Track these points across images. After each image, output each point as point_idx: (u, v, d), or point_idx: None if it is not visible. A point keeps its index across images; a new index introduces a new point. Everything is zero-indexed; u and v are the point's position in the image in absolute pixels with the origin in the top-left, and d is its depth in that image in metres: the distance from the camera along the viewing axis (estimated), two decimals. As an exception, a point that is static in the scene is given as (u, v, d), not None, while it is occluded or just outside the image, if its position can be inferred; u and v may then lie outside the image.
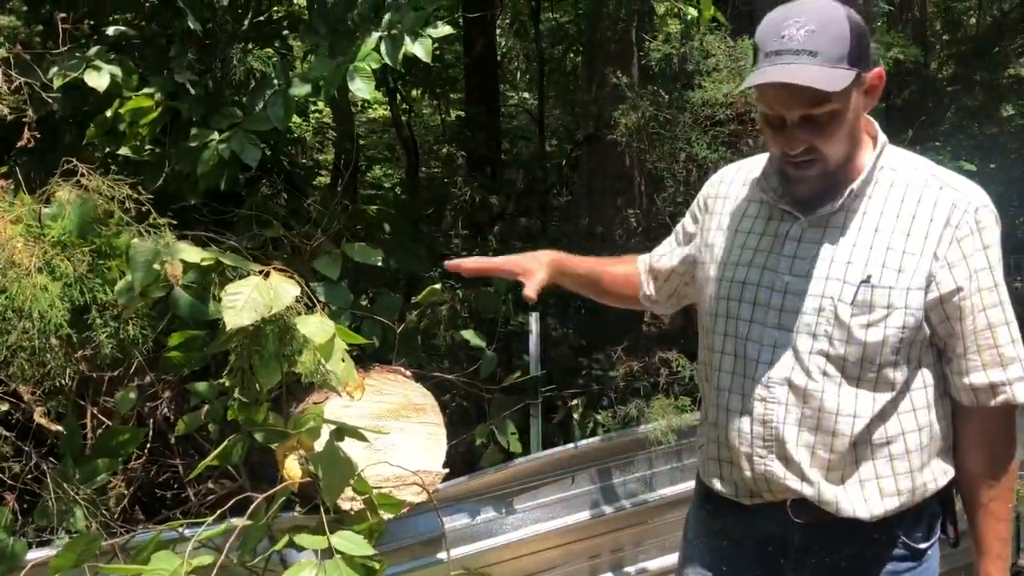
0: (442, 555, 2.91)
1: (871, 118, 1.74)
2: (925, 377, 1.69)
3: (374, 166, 8.31)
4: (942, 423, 1.71)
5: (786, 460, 1.70)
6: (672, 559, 3.45)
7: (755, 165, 1.85)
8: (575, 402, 3.48)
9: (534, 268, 1.98)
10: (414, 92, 7.15)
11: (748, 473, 1.74)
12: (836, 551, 1.74)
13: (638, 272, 2.12)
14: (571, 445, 3.28)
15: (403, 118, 5.94)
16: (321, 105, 6.19)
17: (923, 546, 1.73)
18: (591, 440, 3.35)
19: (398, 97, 6.06)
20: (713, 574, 1.92)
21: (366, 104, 8.47)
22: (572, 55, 7.75)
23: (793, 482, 1.70)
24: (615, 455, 3.34)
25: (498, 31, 7.97)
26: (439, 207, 5.28)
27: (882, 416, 1.66)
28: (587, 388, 3.52)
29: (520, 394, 3.40)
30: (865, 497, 1.69)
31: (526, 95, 9.78)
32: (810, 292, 1.66)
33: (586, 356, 4.28)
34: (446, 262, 2.13)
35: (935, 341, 1.68)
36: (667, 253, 2.06)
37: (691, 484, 3.42)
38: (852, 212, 1.68)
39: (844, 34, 1.57)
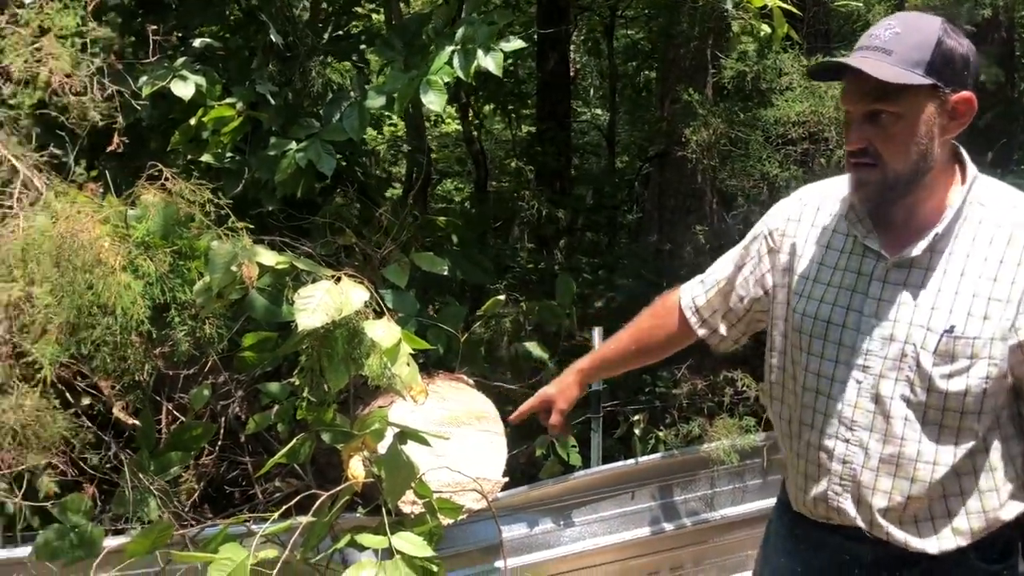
0: (500, 563, 2.94)
1: (963, 151, 1.68)
2: (1003, 418, 1.65)
3: (444, 180, 8.43)
4: (1018, 460, 1.68)
5: (859, 502, 1.69)
6: (732, 580, 3.44)
7: (831, 191, 1.81)
8: (637, 418, 3.47)
9: (554, 397, 2.11)
10: (486, 108, 7.25)
11: (821, 504, 1.75)
12: (908, 570, 1.71)
13: (682, 314, 2.02)
14: (631, 461, 3.27)
15: (474, 132, 6.02)
16: (396, 119, 6.32)
17: (997, 567, 1.68)
18: (652, 456, 3.34)
19: (470, 112, 6.14)
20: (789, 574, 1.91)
21: (438, 119, 8.59)
22: (645, 72, 7.76)
23: (862, 522, 1.70)
24: (676, 473, 3.33)
25: (572, 47, 8.02)
26: (507, 220, 5.33)
27: (962, 464, 1.63)
28: (650, 404, 3.51)
29: (581, 408, 3.41)
30: (936, 535, 1.66)
31: (598, 111, 9.80)
32: (894, 337, 1.63)
33: (649, 374, 4.27)
34: (511, 418, 2.21)
35: (1017, 384, 1.63)
36: (725, 291, 1.96)
37: (753, 505, 3.42)
38: (938, 253, 1.63)
39: (928, 44, 1.55)
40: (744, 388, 3.41)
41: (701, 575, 3.37)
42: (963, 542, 1.65)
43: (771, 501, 3.40)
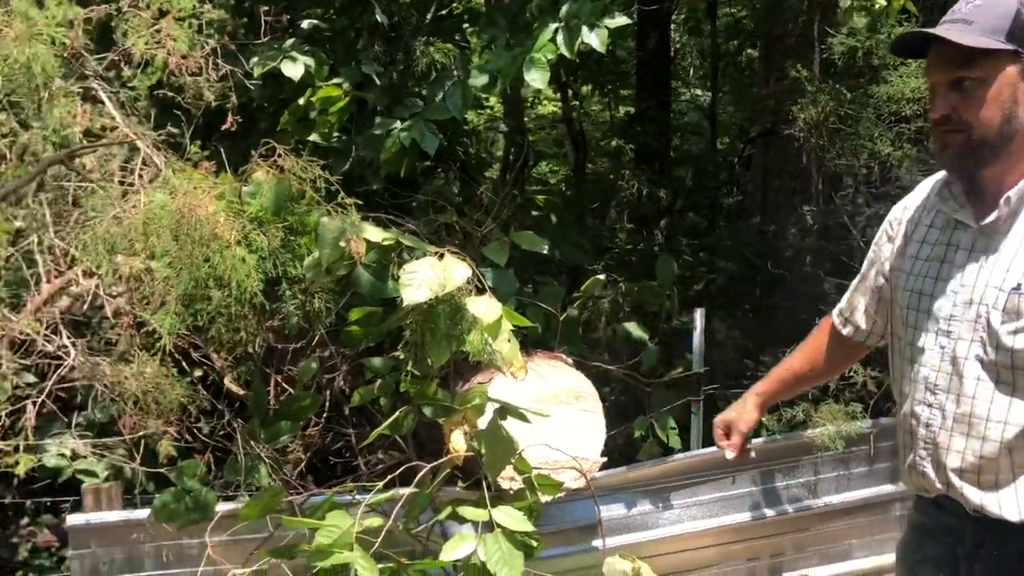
0: (597, 542, 2.93)
1: None
2: None
3: (540, 162, 8.42)
4: None
5: (936, 464, 1.74)
6: (835, 568, 3.35)
7: (943, 176, 1.85)
8: (738, 401, 3.40)
9: (734, 421, 2.14)
10: (584, 88, 7.19)
11: (914, 473, 1.80)
12: (1006, 547, 1.70)
13: (832, 321, 2.08)
14: (733, 444, 3.22)
15: (573, 113, 5.98)
16: (492, 101, 6.34)
17: None
18: (754, 441, 3.28)
19: (568, 93, 6.11)
20: (904, 564, 1.94)
21: (536, 100, 8.58)
22: (748, 51, 7.57)
23: (940, 484, 1.74)
24: (778, 458, 3.26)
25: (672, 26, 7.88)
26: (604, 202, 5.29)
27: None
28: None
29: (681, 390, 3.37)
30: (1015, 500, 1.66)
31: (698, 92, 9.62)
32: (972, 300, 1.68)
33: (752, 359, 4.18)
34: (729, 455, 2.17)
35: None
36: (862, 287, 2.02)
37: (858, 493, 3.32)
38: (1019, 218, 1.66)
39: (1008, 13, 1.60)
40: (851, 374, 3.31)
41: (802, 563, 3.30)
42: None
43: (877, 489, 3.34)
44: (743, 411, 2.15)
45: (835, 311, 2.08)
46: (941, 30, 1.63)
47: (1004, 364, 1.63)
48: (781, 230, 4.48)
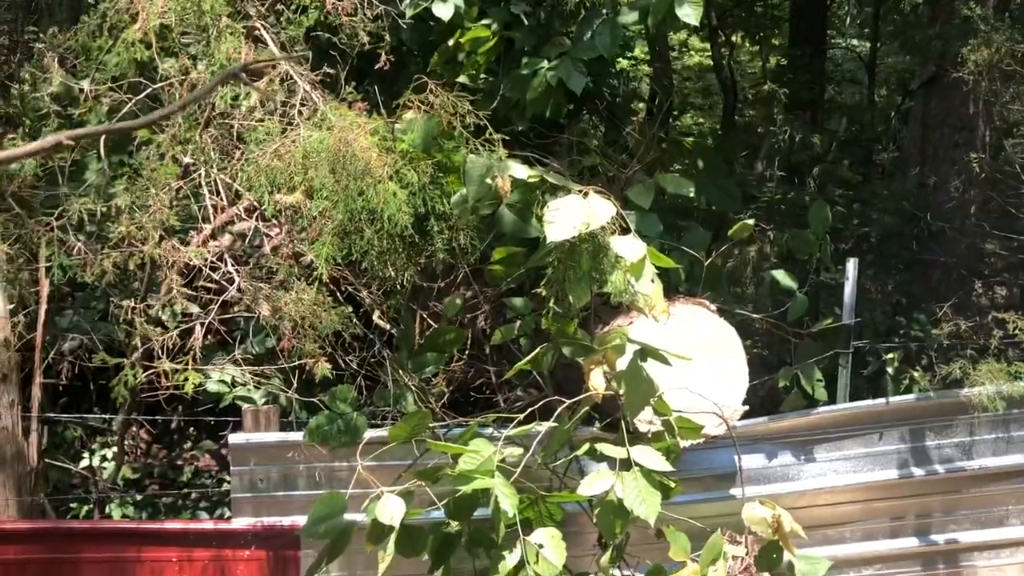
0: (736, 491, 2.90)
1: None
2: None
3: (687, 112, 8.22)
4: None
5: None
6: (987, 535, 3.19)
7: None
8: (891, 355, 3.27)
9: None
10: (735, 37, 6.96)
11: None
12: None
13: None
14: (882, 400, 3.10)
15: (723, 60, 5.80)
16: (639, 50, 6.23)
17: None
18: (905, 398, 3.15)
19: (719, 38, 5.92)
20: None
21: (682, 49, 8.37)
22: (913, -2, 7.11)
23: None
24: (931, 416, 3.12)
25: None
26: (754, 150, 5.13)
27: None
28: (903, 343, 3.30)
29: (829, 342, 3.27)
30: None
31: (855, 41, 9.14)
32: None
33: (905, 315, 4.00)
34: None
35: None
36: None
37: (1018, 458, 3.14)
38: None
39: None
40: (1016, 332, 3.11)
41: (952, 526, 3.15)
42: None
43: (1042, 453, 3.14)
44: None
45: None
46: None
47: None
48: (942, 183, 4.22)
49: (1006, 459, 3.12)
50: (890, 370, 3.27)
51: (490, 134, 2.41)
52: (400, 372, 2.60)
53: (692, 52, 9.28)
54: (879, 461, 3.10)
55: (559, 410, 2.57)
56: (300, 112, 2.55)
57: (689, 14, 2.71)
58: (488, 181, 2.45)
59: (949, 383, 3.15)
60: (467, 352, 3.16)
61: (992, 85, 3.54)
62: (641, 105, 5.17)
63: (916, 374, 3.22)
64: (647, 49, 5.72)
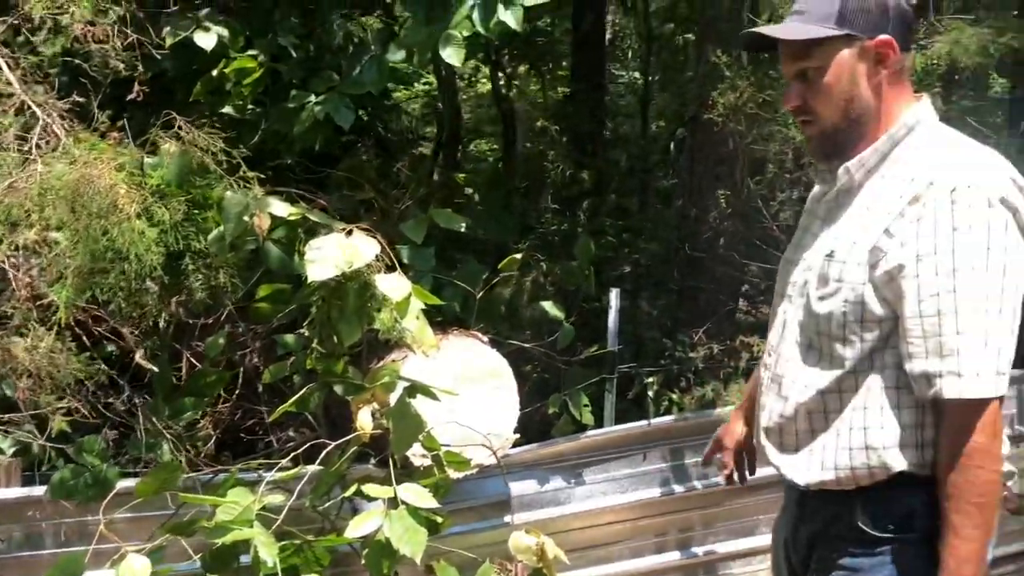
0: (509, 518, 2.97)
1: (910, 101, 1.67)
2: (884, 359, 1.62)
3: (479, 139, 8.39)
4: (903, 412, 1.61)
5: (758, 424, 1.79)
6: (742, 544, 3.43)
7: None
8: (651, 379, 3.47)
9: (720, 436, 2.16)
10: (520, 68, 7.17)
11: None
12: (813, 521, 1.74)
13: None
14: (644, 422, 3.27)
15: (504, 92, 5.97)
16: (432, 77, 6.30)
17: (876, 534, 1.63)
18: (665, 419, 3.34)
19: (500, 72, 6.09)
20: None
21: (473, 78, 8.53)
22: (686, 35, 7.62)
23: (755, 440, 1.81)
24: (689, 435, 3.32)
25: (611, 7, 7.89)
26: (534, 181, 5.31)
27: (828, 390, 1.65)
28: (665, 367, 3.51)
29: (597, 368, 3.42)
30: (806, 465, 1.68)
31: (636, 75, 9.67)
32: (808, 267, 1.71)
33: (669, 337, 4.25)
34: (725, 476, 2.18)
35: (890, 314, 1.61)
36: None
37: (767, 469, 3.39)
38: (861, 189, 1.68)
39: None
40: (760, 353, 3.38)
41: (711, 538, 3.37)
42: (828, 476, 1.65)
43: (782, 467, 3.41)
44: (728, 428, 2.15)
45: None
46: (770, 28, 1.70)
47: (813, 328, 1.66)
48: (702, 214, 4.55)
49: (756, 472, 3.38)
50: (651, 393, 3.46)
51: (244, 172, 2.35)
52: (155, 419, 2.47)
53: (485, 79, 9.50)
54: (644, 481, 3.27)
55: (327, 450, 2.53)
56: (38, 145, 2.38)
57: (452, 55, 2.77)
58: (246, 218, 2.39)
59: (704, 403, 3.38)
60: (237, 392, 3.06)
61: (738, 126, 3.85)
62: (427, 143, 5.22)
63: (675, 396, 3.43)
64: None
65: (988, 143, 1.70)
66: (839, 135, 1.67)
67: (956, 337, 1.51)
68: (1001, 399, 1.55)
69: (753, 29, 1.72)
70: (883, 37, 1.62)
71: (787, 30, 1.66)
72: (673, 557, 3.33)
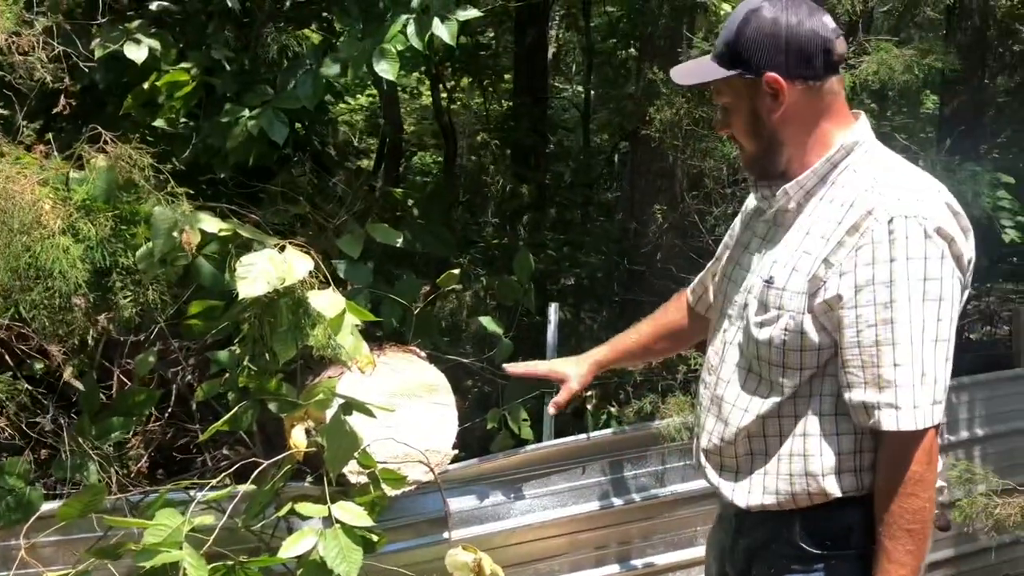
0: (447, 535, 2.95)
1: (848, 121, 1.69)
2: (823, 387, 1.64)
3: (422, 152, 8.38)
4: (842, 439, 1.63)
5: (696, 444, 1.82)
6: (680, 555, 3.46)
7: None
8: (589, 393, 3.48)
9: (569, 376, 2.12)
10: (464, 81, 7.19)
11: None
12: (752, 536, 1.75)
13: (689, 303, 2.12)
14: (583, 436, 3.29)
15: (445, 105, 5.97)
16: (374, 89, 6.26)
17: (814, 551, 1.66)
18: (603, 432, 3.36)
19: (441, 84, 6.09)
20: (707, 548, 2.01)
21: (416, 91, 8.53)
22: (627, 51, 7.71)
23: (694, 460, 1.84)
24: (627, 448, 3.34)
25: (554, 22, 7.96)
26: (474, 195, 5.31)
27: (767, 415, 1.67)
28: (604, 381, 3.52)
29: (536, 382, 3.42)
30: (746, 488, 1.70)
31: (579, 89, 9.76)
32: (747, 287, 1.73)
33: (610, 350, 4.27)
34: (506, 366, 2.22)
35: (830, 342, 1.63)
36: (714, 272, 2.05)
37: (703, 482, 3.42)
38: (801, 211, 1.68)
39: (731, 34, 1.64)
40: (698, 367, 3.42)
41: (650, 550, 3.40)
42: (769, 500, 1.67)
43: (720, 478, 3.46)
44: (581, 371, 2.13)
45: (689, 287, 2.12)
46: (677, 69, 1.76)
47: (752, 354, 1.67)
48: (642, 228, 4.59)
49: (693, 484, 3.41)
50: (590, 407, 3.48)
51: (173, 187, 2.31)
52: (81, 439, 2.40)
53: (428, 92, 9.50)
54: (583, 494, 3.28)
55: (261, 468, 2.50)
56: (-44, 159, 2.32)
57: (386, 69, 2.77)
58: (175, 234, 2.35)
59: (643, 416, 3.40)
60: (169, 410, 3.00)
61: (675, 142, 3.89)
62: (370, 157, 5.20)
63: (614, 409, 3.45)
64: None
65: (916, 161, 1.75)
66: (763, 160, 1.71)
67: (893, 369, 1.53)
68: (938, 426, 1.58)
69: (672, 69, 1.77)
70: (770, 74, 1.62)
71: (688, 72, 1.73)
72: (613, 570, 3.34)
